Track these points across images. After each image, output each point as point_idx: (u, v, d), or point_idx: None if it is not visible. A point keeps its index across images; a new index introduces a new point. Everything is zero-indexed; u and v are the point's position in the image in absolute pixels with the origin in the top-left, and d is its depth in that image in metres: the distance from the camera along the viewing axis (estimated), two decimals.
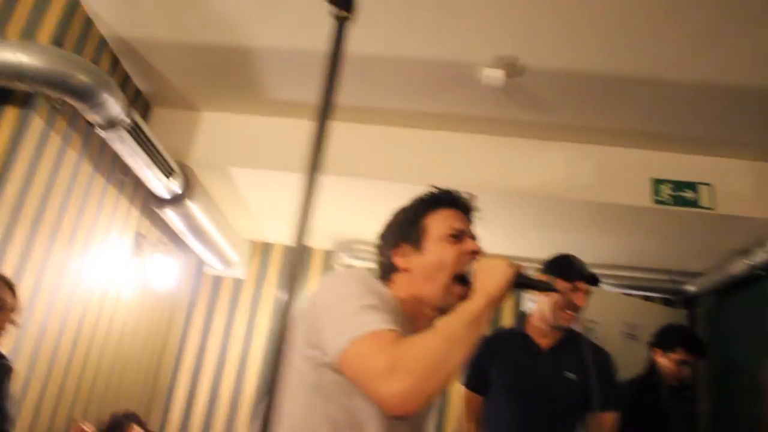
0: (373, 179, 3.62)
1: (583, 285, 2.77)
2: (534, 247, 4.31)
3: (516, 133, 3.63)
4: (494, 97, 3.21)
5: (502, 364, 2.80)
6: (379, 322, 1.26)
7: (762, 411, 2.67)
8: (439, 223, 1.55)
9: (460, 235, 1.53)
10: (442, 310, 1.46)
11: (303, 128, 3.69)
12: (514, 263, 1.42)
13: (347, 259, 4.71)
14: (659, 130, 3.46)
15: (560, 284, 2.72)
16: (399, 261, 1.54)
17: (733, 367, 4.18)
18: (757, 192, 3.61)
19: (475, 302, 1.34)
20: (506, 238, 4.34)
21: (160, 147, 3.23)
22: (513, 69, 2.97)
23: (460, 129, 3.64)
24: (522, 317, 2.96)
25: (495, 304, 1.36)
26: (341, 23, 1.12)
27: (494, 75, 2.96)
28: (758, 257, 3.78)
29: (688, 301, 4.86)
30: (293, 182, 3.73)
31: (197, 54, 3.23)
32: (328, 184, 3.67)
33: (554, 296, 2.72)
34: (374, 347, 1.21)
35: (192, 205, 3.73)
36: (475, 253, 1.51)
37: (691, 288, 4.67)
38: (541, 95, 3.20)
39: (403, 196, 3.62)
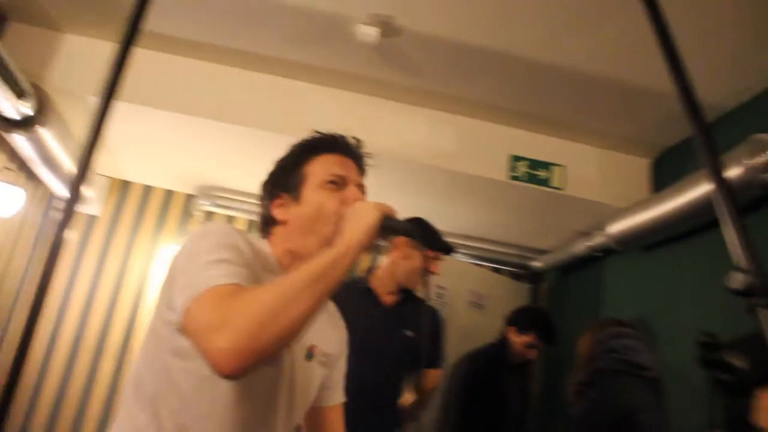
0: (238, 125, 3.52)
1: (441, 254, 2.88)
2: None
3: (383, 94, 3.65)
4: (366, 55, 3.21)
5: (342, 314, 2.85)
6: (222, 277, 1.14)
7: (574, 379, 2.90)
8: (318, 170, 1.43)
9: (341, 182, 1.41)
10: None
11: (175, 64, 3.55)
12: (384, 205, 1.29)
13: (208, 207, 4.61)
14: (522, 108, 3.60)
15: (421, 251, 2.82)
16: (277, 213, 1.43)
17: (569, 341, 4.47)
18: (603, 178, 3.84)
19: (333, 251, 1.20)
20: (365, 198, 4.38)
21: (11, 63, 2.99)
22: (388, 28, 2.97)
23: (329, 83, 3.61)
24: (368, 270, 3.02)
25: (357, 251, 1.21)
26: None
27: (369, 32, 2.94)
28: (598, 239, 4.05)
29: (534, 276, 5.15)
30: (158, 119, 3.58)
31: None
32: (192, 125, 3.56)
33: (412, 259, 2.81)
34: (209, 303, 1.10)
35: (44, 132, 3.50)
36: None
37: (537, 264, 4.94)
38: (413, 59, 3.23)
39: (269, 145, 3.63)
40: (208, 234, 1.27)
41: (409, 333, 2.84)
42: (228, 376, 1.05)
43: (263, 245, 1.41)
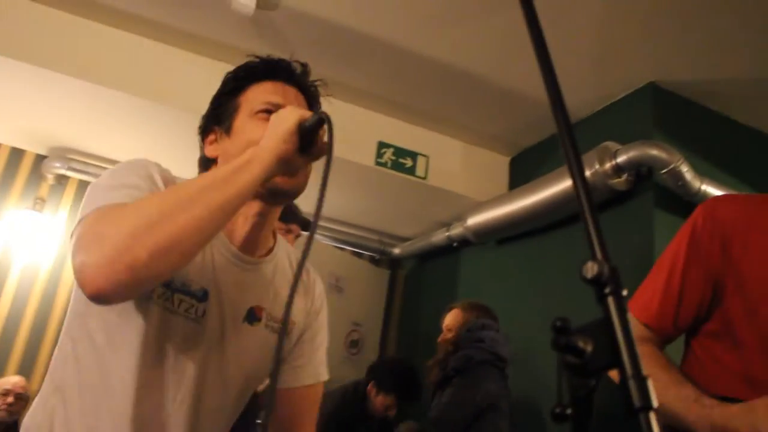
0: (99, 85, 3.31)
1: (296, 228, 2.85)
2: None
3: None
4: (241, 26, 3.13)
5: None
6: (113, 199, 0.97)
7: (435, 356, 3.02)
8: (252, 98, 1.22)
9: (277, 110, 1.13)
10: (271, 199, 1.17)
11: (32, 11, 3.26)
12: (302, 110, 1.06)
13: (61, 169, 4.30)
14: (392, 96, 3.65)
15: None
16: (208, 150, 1.24)
17: (423, 326, 4.62)
18: (465, 171, 3.99)
19: (237, 159, 1.01)
20: None
21: None
22: (266, 0, 2.91)
23: (198, 51, 3.48)
24: None
25: (268, 159, 1.00)
26: None
27: (245, 2, 2.86)
28: (456, 230, 4.21)
29: (393, 262, 5.26)
30: (9, 69, 3.28)
31: None
32: (47, 79, 3.31)
33: None
34: (88, 222, 0.94)
35: None
36: None
37: (396, 251, 5.05)
38: (288, 35, 3.18)
39: (131, 109, 3.45)
40: (118, 167, 1.11)
41: None
42: (96, 298, 0.89)
43: (168, 177, 1.18)
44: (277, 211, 1.23)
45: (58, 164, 4.27)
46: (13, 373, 3.93)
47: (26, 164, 4.43)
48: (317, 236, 4.76)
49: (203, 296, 1.12)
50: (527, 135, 3.84)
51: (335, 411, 3.30)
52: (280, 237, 1.32)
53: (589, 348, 0.55)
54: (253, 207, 1.17)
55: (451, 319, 3.08)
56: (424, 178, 3.84)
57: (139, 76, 3.39)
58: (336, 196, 4.40)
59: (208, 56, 3.50)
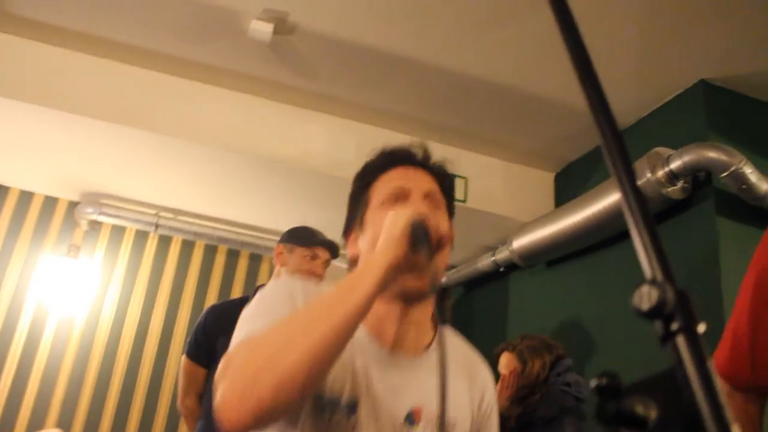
0: (125, 126, 3.24)
1: (321, 252, 2.68)
2: (293, 221, 4.18)
3: (279, 97, 3.45)
4: (260, 54, 3.02)
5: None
6: (252, 329, 0.99)
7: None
8: (379, 189, 1.19)
9: (402, 194, 1.15)
10: (407, 299, 1.12)
11: (59, 57, 3.25)
12: (414, 210, 1.03)
13: (94, 215, 4.25)
14: (423, 116, 3.48)
15: (298, 251, 2.62)
16: (350, 250, 1.22)
17: None
18: (507, 191, 3.77)
19: (353, 274, 0.99)
20: (264, 209, 4.17)
21: None
22: (283, 25, 2.79)
23: (220, 83, 3.39)
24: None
25: (379, 270, 0.96)
26: None
27: (262, 29, 2.75)
28: (502, 254, 3.97)
29: (439, 292, 5.04)
30: (39, 117, 3.26)
31: None
32: (76, 125, 3.26)
33: (293, 263, 2.62)
34: (230, 358, 0.96)
35: None
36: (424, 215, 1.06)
37: (442, 279, 4.82)
38: (310, 59, 3.06)
39: (159, 148, 3.37)
40: (263, 292, 1.12)
41: None
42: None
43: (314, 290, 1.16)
44: (423, 308, 1.16)
45: (90, 210, 4.23)
46: (52, 425, 3.85)
47: (60, 211, 4.41)
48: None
49: (353, 407, 1.06)
50: (571, 148, 3.61)
51: None
52: (446, 330, 1.20)
53: (652, 415, 0.36)
54: (395, 309, 1.13)
55: (533, 365, 2.77)
56: (463, 201, 3.64)
57: (164, 114, 3.33)
58: None
59: (231, 88, 3.41)
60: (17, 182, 4.32)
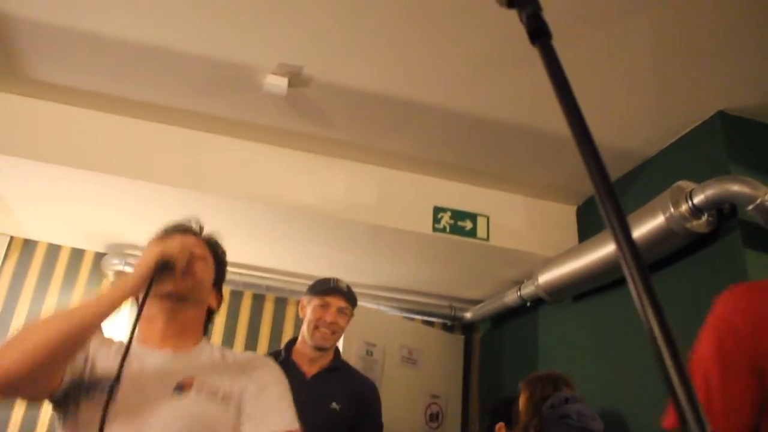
0: (146, 181, 3.30)
1: (333, 300, 2.69)
2: (316, 265, 4.20)
3: (297, 146, 3.49)
4: (276, 106, 3.05)
5: None
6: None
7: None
8: None
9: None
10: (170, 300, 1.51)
11: (67, 115, 3.32)
12: (168, 245, 1.46)
13: (120, 266, 4.31)
14: (441, 157, 3.49)
15: (313, 302, 2.69)
16: None
17: (505, 391, 4.32)
18: (529, 226, 3.75)
19: (101, 291, 1.36)
20: (285, 254, 4.19)
21: None
22: (297, 78, 2.83)
23: (239, 135, 3.43)
24: (290, 343, 2.81)
25: (121, 293, 1.34)
26: None
27: (277, 83, 2.80)
28: (528, 289, 3.93)
29: (466, 327, 5.00)
30: (58, 175, 3.33)
31: None
32: (98, 181, 3.33)
33: (309, 313, 2.67)
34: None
35: None
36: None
37: (468, 315, 4.79)
38: (325, 109, 3.09)
39: (180, 201, 3.41)
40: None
41: (335, 406, 2.61)
42: None
43: None
44: (185, 313, 1.54)
45: (116, 261, 4.29)
46: None
47: (87, 263, 4.48)
48: (384, 308, 4.58)
49: (112, 385, 1.32)
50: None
51: None
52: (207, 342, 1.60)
53: None
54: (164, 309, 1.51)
55: (527, 400, 2.75)
56: (486, 239, 3.63)
57: (185, 168, 3.38)
58: (397, 265, 4.23)
59: (250, 139, 3.46)
60: (45, 236, 4.40)
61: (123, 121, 3.37)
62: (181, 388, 1.42)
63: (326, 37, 2.62)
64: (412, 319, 4.78)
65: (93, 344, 1.44)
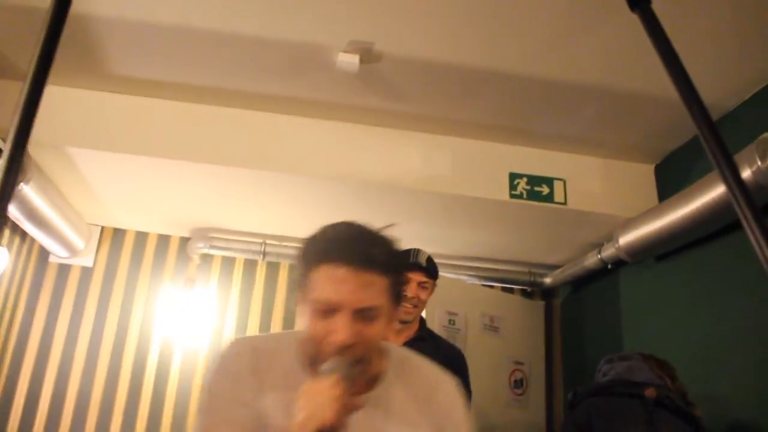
0: (226, 166, 3.41)
1: (413, 275, 2.73)
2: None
3: (371, 121, 3.53)
4: (349, 83, 3.10)
5: None
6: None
7: None
8: (315, 287, 1.27)
9: (332, 309, 1.23)
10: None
11: (149, 108, 3.45)
12: (322, 421, 1.12)
13: (205, 249, 4.48)
14: (516, 124, 3.47)
15: None
16: (298, 308, 1.36)
17: (589, 354, 4.31)
18: (607, 189, 3.70)
19: None
20: None
21: None
22: (368, 55, 2.86)
23: (313, 115, 3.49)
24: None
25: None
26: None
27: (349, 60, 2.84)
28: (608, 252, 3.89)
29: (546, 292, 4.99)
30: (143, 166, 3.48)
31: (28, 17, 2.86)
32: (180, 169, 3.46)
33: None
34: None
35: (26, 188, 3.39)
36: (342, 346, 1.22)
37: (548, 280, 4.77)
38: (398, 83, 3.11)
39: (262, 184, 3.52)
40: (204, 394, 1.34)
41: None
42: None
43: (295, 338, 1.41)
44: None
45: (201, 245, 4.46)
46: None
47: (173, 248, 4.68)
48: (464, 277, 4.62)
49: None
50: (670, 138, 3.50)
51: None
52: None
53: None
54: None
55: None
56: (564, 203, 3.60)
57: (263, 150, 3.47)
58: (475, 234, 4.25)
59: (324, 117, 3.52)
60: (133, 225, 4.61)
61: (202, 109, 3.48)
62: None
63: (395, 10, 2.63)
64: (492, 287, 4.80)
65: None
